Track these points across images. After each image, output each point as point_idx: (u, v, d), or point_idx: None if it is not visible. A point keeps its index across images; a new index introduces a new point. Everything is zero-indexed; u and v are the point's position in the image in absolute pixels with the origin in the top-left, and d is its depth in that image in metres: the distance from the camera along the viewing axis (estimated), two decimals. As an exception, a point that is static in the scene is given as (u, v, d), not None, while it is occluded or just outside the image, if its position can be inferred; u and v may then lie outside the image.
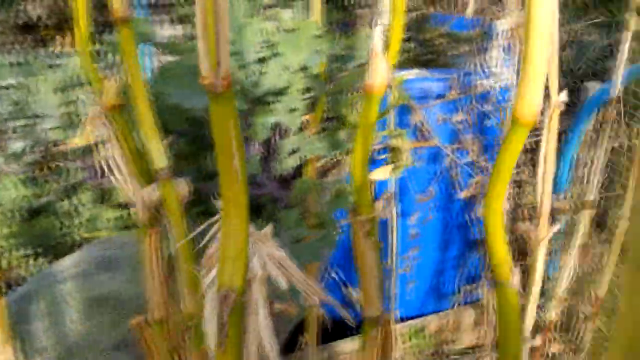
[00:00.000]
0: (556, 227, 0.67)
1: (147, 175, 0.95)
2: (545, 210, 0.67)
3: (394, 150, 1.40)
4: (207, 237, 0.69)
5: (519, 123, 0.59)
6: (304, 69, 1.02)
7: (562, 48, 1.65)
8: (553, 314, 1.23)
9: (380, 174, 0.93)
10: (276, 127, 1.05)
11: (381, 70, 0.80)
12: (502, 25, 1.28)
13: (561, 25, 1.64)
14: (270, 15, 1.17)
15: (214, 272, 0.65)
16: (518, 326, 0.69)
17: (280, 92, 1.01)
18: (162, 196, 0.87)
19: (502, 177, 0.62)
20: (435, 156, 1.66)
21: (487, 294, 1.83)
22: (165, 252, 1.18)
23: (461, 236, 1.85)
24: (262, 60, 1.06)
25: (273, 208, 1.21)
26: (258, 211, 1.23)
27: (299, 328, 1.61)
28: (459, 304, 1.91)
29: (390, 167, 0.95)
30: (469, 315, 1.94)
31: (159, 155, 0.84)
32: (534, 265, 0.69)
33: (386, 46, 0.84)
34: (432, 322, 1.91)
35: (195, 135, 1.01)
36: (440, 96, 1.57)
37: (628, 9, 1.15)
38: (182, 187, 0.88)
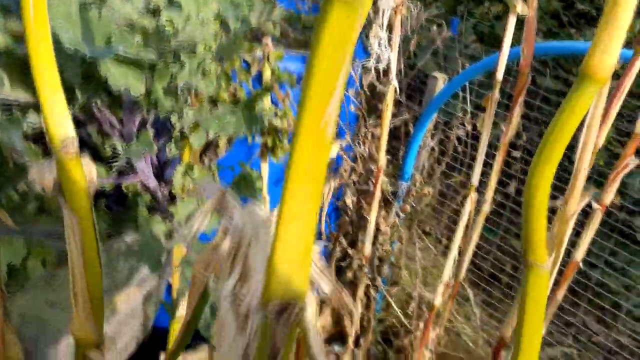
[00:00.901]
0: (586, 200, 0.62)
1: None
2: (580, 183, 0.62)
3: (274, 132, 1.26)
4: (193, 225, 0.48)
5: (591, 79, 0.52)
6: (218, 22, 0.83)
7: (406, 39, 1.68)
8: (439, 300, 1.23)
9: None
10: (183, 94, 0.83)
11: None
12: (384, 3, 1.23)
13: (407, 17, 1.67)
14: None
15: (232, 281, 0.45)
16: (543, 311, 0.62)
17: (191, 50, 0.80)
18: (62, 178, 0.60)
19: (561, 142, 0.54)
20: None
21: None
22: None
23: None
24: (154, 12, 0.84)
25: (151, 202, 0.98)
26: (128, 207, 0.99)
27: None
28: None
29: (339, 141, 0.82)
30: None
31: (62, 120, 0.58)
32: (560, 241, 0.64)
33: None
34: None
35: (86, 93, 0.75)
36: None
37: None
38: (89, 169, 0.63)
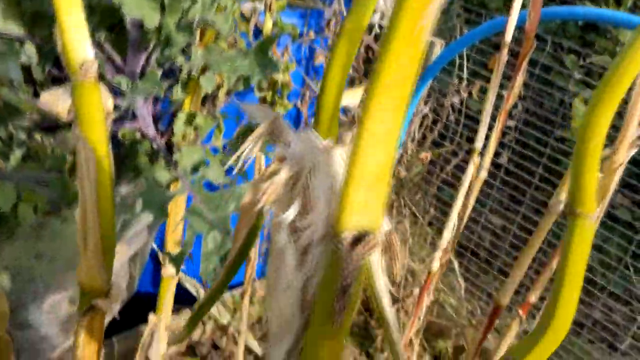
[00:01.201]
0: (635, 149, 0.60)
1: None
2: (632, 130, 0.59)
3: (274, 85, 1.20)
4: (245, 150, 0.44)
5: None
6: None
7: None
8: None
9: (350, 97, 0.75)
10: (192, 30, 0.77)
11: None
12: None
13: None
14: None
15: (291, 214, 0.41)
16: (585, 265, 0.60)
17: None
18: (78, 105, 0.55)
19: (625, 82, 0.51)
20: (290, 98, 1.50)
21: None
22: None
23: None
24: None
25: (149, 151, 0.92)
26: (124, 157, 0.93)
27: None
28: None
29: (361, 89, 0.78)
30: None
31: (81, 41, 0.52)
32: (605, 194, 0.62)
33: None
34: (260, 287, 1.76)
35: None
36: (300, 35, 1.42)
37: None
38: (105, 97, 0.57)
